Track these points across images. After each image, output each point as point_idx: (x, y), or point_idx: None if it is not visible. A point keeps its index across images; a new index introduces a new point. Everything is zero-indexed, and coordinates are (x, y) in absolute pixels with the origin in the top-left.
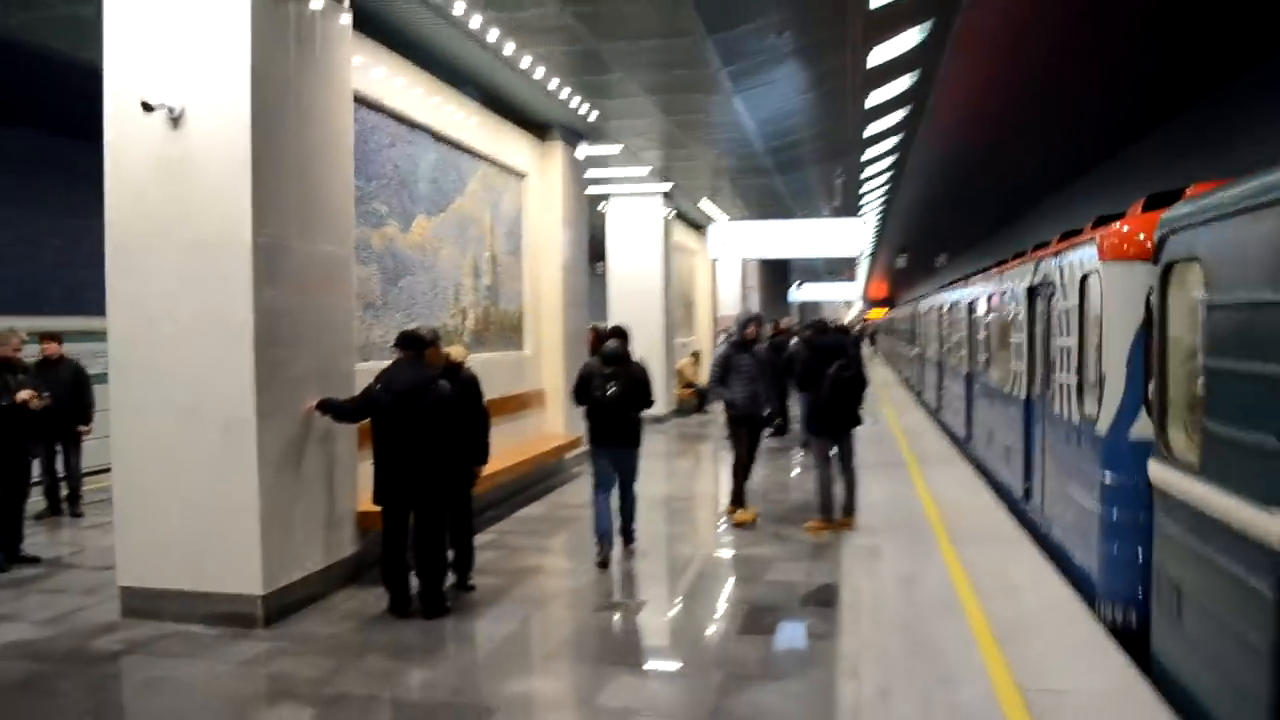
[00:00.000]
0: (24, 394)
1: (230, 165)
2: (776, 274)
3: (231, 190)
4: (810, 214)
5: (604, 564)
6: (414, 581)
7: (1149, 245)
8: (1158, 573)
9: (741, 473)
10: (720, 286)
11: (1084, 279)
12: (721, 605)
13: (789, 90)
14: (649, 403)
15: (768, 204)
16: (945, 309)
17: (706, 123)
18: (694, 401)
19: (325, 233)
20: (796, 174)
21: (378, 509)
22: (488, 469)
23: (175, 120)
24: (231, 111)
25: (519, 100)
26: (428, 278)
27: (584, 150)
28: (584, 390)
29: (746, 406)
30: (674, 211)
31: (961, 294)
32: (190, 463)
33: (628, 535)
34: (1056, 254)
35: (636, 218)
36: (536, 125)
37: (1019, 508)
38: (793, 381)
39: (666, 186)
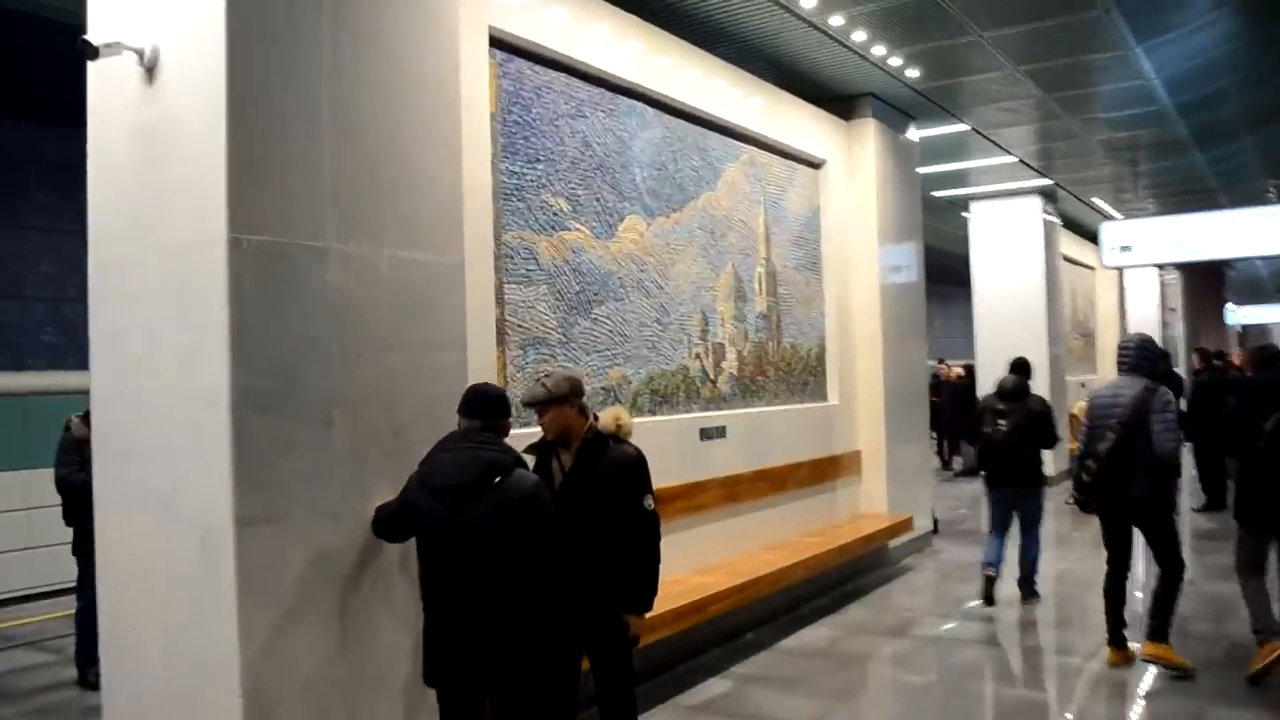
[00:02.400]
0: None
1: (202, 126)
2: (1206, 290)
3: (205, 162)
4: (1246, 201)
5: (989, 600)
6: None
7: None
8: None
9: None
10: (1130, 309)
11: None
12: None
13: (1217, 36)
14: (1051, 442)
15: (1183, 192)
16: None
17: (1096, 89)
18: None
19: (405, 232)
20: (1225, 147)
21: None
22: (723, 580)
23: (149, 69)
24: (204, 45)
25: (806, 61)
26: (649, 303)
27: (914, 132)
28: (979, 426)
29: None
30: (1055, 215)
31: None
32: (170, 584)
33: (1028, 587)
34: None
35: (1005, 224)
36: (836, 97)
37: None
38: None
39: (1043, 181)
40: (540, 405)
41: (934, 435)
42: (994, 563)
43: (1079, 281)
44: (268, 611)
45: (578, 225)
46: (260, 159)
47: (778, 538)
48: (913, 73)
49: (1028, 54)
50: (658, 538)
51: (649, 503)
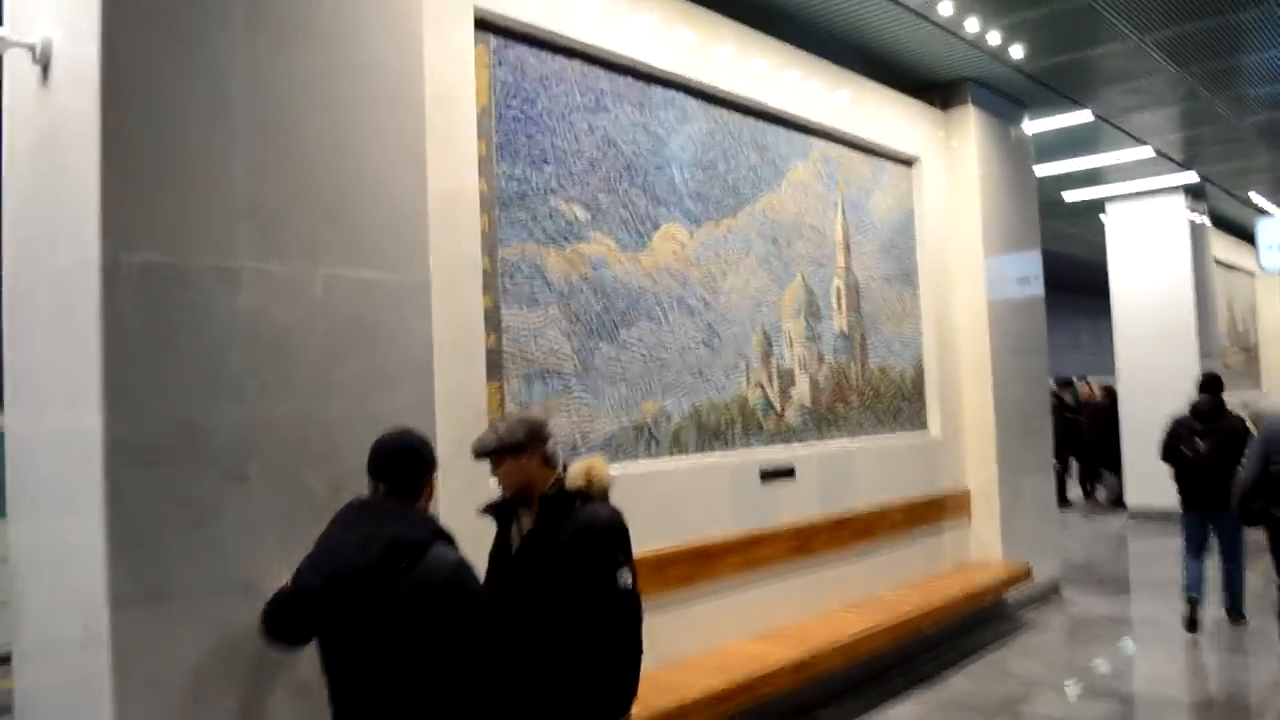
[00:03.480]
0: None
1: (82, 130)
2: None
3: (84, 172)
4: None
5: (1192, 626)
6: None
7: None
8: None
9: None
10: None
11: None
12: None
13: None
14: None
15: None
16: None
17: (1242, 59)
18: None
19: (347, 247)
20: None
21: None
22: (784, 650)
23: (44, 67)
24: (82, 36)
25: (886, 42)
26: (694, 323)
27: (1028, 123)
28: (1172, 449)
29: None
30: (1204, 213)
31: None
32: (60, 671)
33: (1236, 613)
34: None
35: (1145, 227)
36: (928, 84)
37: None
38: None
39: (1188, 176)
40: (491, 456)
41: (1063, 463)
42: (1195, 587)
43: (1237, 289)
44: (152, 711)
45: (599, 236)
46: (148, 167)
47: (862, 595)
48: (1016, 51)
49: (1153, 19)
50: (637, 624)
51: (625, 579)
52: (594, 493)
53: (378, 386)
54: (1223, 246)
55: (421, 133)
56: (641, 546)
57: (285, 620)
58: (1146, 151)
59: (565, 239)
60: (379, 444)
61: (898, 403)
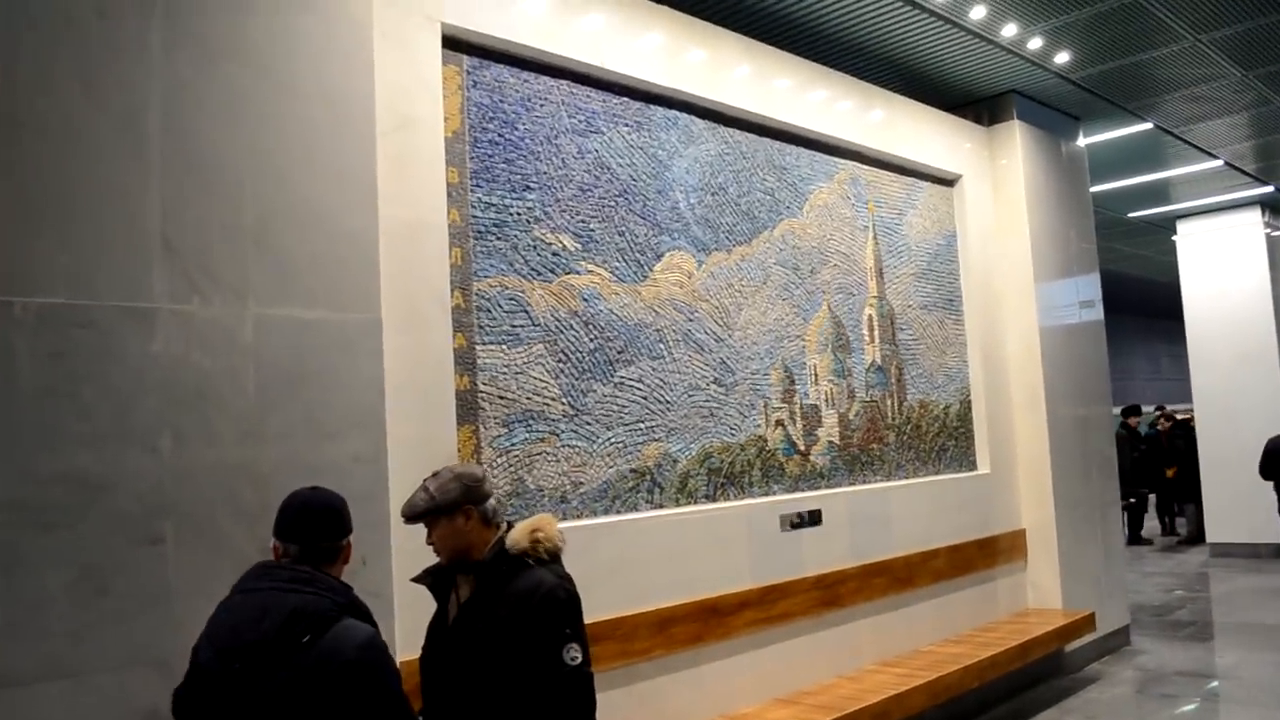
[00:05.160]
0: None
1: None
2: None
3: None
4: None
5: None
6: None
7: None
8: None
9: None
10: None
11: None
12: None
13: None
14: None
15: None
16: None
17: None
18: None
19: (282, 285)
20: None
21: None
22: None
23: None
24: None
25: (920, 54)
26: (704, 360)
27: (1083, 138)
28: (1273, 465)
29: None
30: None
31: None
32: None
33: None
34: None
35: (1218, 244)
36: (969, 99)
37: None
38: None
39: (1262, 188)
40: (423, 519)
41: (1139, 496)
42: None
43: None
44: None
45: (591, 267)
46: (48, 202)
47: (901, 650)
48: (1060, 58)
49: (1210, 17)
50: (588, 707)
51: (573, 655)
52: (540, 555)
53: (319, 436)
54: None
55: (371, 160)
56: (643, 604)
57: (183, 699)
58: (1215, 164)
59: (552, 271)
60: (289, 501)
61: (941, 439)
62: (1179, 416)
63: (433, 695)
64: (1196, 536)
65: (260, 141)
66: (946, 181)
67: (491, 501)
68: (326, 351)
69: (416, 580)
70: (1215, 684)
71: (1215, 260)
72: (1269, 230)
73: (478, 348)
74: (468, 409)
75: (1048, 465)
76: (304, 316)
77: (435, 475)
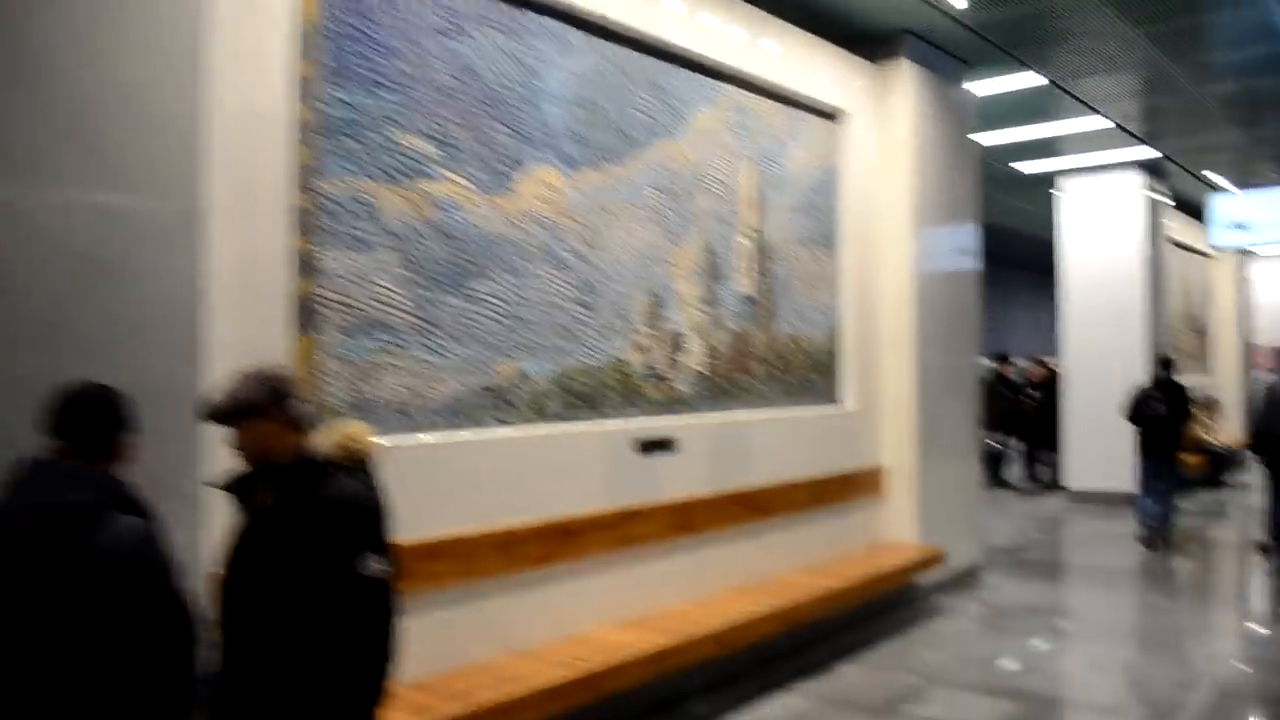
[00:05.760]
0: None
1: None
2: None
3: None
4: None
5: (1151, 546)
6: None
7: None
8: None
9: None
10: (1260, 303)
11: None
12: None
13: None
14: (1188, 417)
15: None
16: None
17: (1202, 20)
18: (1205, 472)
19: (80, 166)
20: None
21: None
22: (646, 638)
23: None
24: None
25: None
26: (566, 279)
27: (974, 84)
28: (1138, 410)
29: None
30: (1164, 192)
31: None
32: None
33: (1168, 526)
34: None
35: (1100, 203)
36: (860, 34)
37: None
38: None
39: (1146, 152)
40: (223, 421)
41: (1004, 442)
42: (1152, 516)
43: (1191, 271)
44: None
45: (450, 174)
46: None
47: (756, 577)
48: (958, 0)
49: None
50: (384, 620)
51: (369, 565)
52: (351, 462)
53: (125, 332)
54: (1180, 227)
55: (194, 41)
56: (487, 523)
57: None
58: (1101, 121)
59: (408, 176)
60: (58, 395)
61: (809, 374)
62: (1053, 367)
63: (230, 605)
64: (1056, 483)
65: (75, 19)
66: (832, 116)
67: (300, 405)
68: (137, 241)
69: (216, 485)
70: (1054, 619)
71: (1094, 219)
72: (1149, 193)
73: (320, 251)
74: (308, 315)
75: (912, 406)
76: (113, 203)
77: (241, 375)
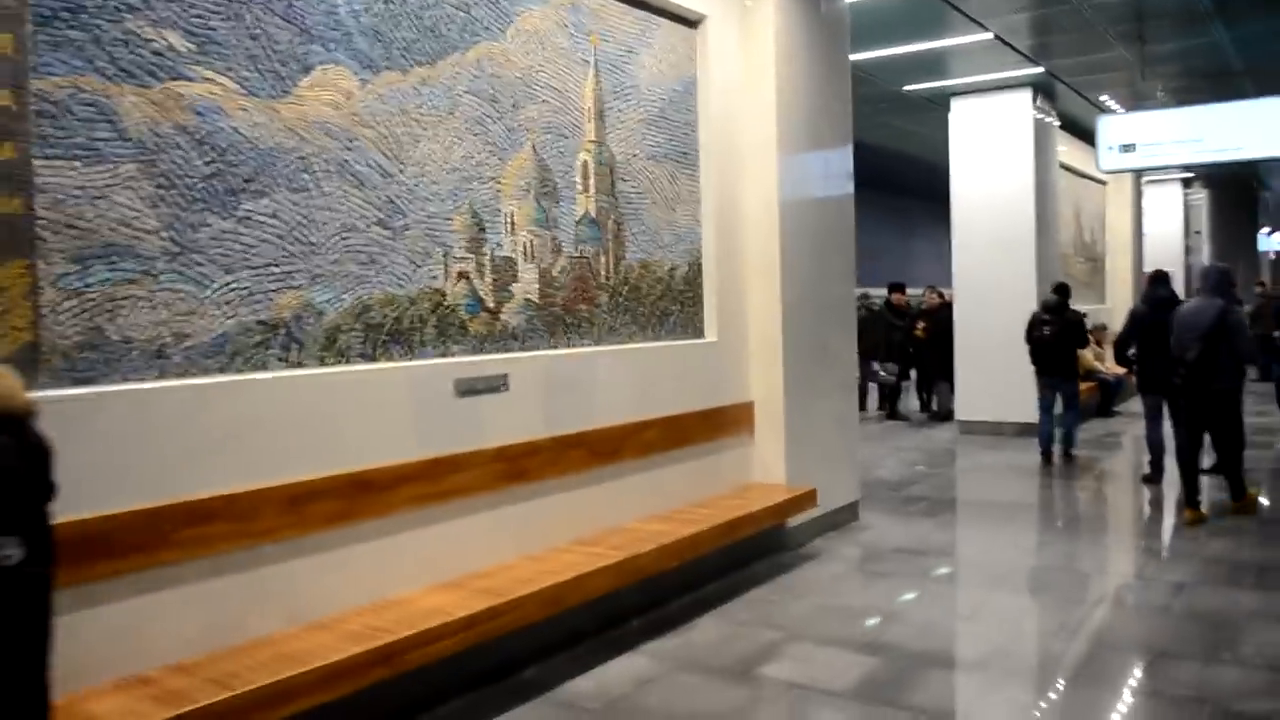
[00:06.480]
0: None
1: None
2: (1237, 213)
3: None
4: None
5: (1048, 460)
6: None
7: None
8: None
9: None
10: (1149, 231)
11: None
12: None
13: None
14: (1083, 343)
15: (1200, 79)
16: None
17: None
18: (1096, 400)
19: None
20: (1258, 20)
21: None
22: (464, 601)
23: None
24: None
25: None
26: (365, 197)
27: None
28: (1029, 333)
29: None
30: (1053, 114)
31: None
32: None
33: (1069, 446)
34: None
35: (987, 126)
36: None
37: None
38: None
39: (1034, 70)
40: None
41: (890, 372)
42: (1046, 437)
43: (1086, 199)
44: None
45: (209, 74)
46: None
47: (603, 528)
48: None
49: None
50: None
51: (4, 553)
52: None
53: None
54: (1072, 152)
55: None
56: (268, 478)
57: None
58: (985, 36)
59: (151, 74)
60: None
61: (664, 304)
62: (948, 297)
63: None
64: (950, 414)
65: None
66: (689, 22)
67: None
68: None
69: None
70: (930, 560)
71: (983, 142)
72: (1038, 115)
73: (36, 163)
74: (19, 238)
75: (779, 338)
76: None
77: None
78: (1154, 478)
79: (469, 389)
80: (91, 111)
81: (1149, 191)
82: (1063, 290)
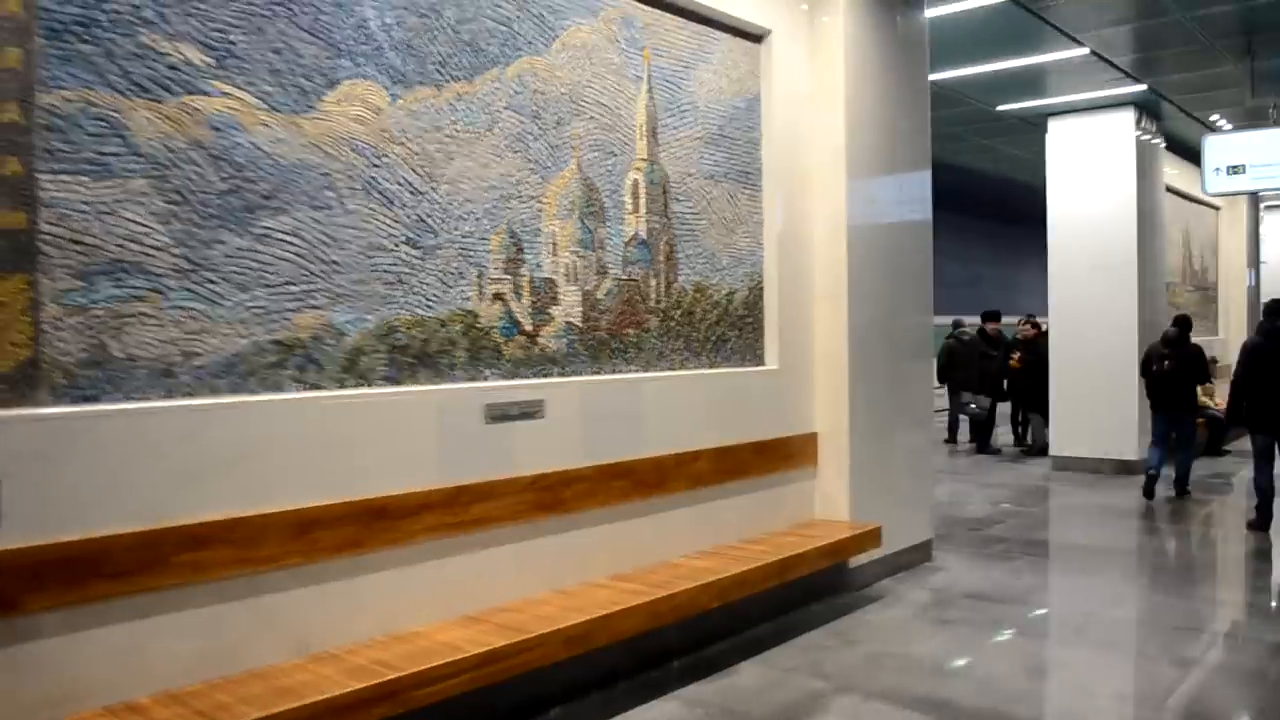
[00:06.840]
0: None
1: None
2: None
3: None
4: None
5: (1150, 494)
6: None
7: None
8: None
9: None
10: (1271, 257)
11: None
12: None
13: None
14: (1204, 378)
15: None
16: None
17: None
18: (1206, 438)
19: None
20: None
21: None
22: (483, 636)
23: None
24: None
25: None
26: (394, 215)
27: (926, 9)
28: (1146, 366)
29: None
30: (1158, 134)
31: None
32: None
33: (1182, 487)
34: None
35: (1087, 147)
36: None
37: None
38: None
39: (1136, 88)
40: None
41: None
42: (1156, 466)
43: (1197, 224)
44: None
45: (227, 88)
46: None
47: (647, 564)
48: None
49: None
50: None
51: None
52: None
53: None
54: (1181, 175)
55: None
56: (275, 503)
57: None
58: (1081, 52)
59: (166, 89)
60: None
61: (721, 329)
62: (1044, 326)
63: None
64: (1043, 449)
65: None
66: (752, 37)
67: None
68: None
69: None
70: (1004, 608)
71: (1082, 164)
72: (1140, 135)
73: (42, 177)
74: (22, 253)
75: (845, 367)
76: None
77: None
78: (1260, 524)
79: (501, 415)
80: (102, 126)
81: (1269, 217)
82: (1183, 323)
